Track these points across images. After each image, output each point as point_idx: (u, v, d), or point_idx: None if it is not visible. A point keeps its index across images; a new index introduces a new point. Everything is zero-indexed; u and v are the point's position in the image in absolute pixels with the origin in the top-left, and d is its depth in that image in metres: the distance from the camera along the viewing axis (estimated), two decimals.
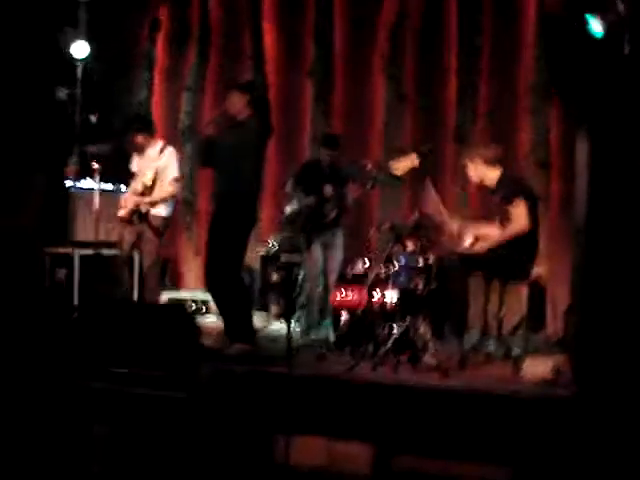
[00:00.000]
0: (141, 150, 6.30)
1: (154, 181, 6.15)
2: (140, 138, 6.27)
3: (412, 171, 5.72)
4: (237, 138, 5.44)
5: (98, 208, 6.26)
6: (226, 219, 5.43)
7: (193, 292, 7.39)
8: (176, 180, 6.32)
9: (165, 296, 6.94)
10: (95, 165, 6.31)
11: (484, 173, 5.55)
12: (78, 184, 6.62)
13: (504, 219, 5.40)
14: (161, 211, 6.27)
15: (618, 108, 4.57)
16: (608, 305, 4.60)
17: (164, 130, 8.06)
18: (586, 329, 4.67)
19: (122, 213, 6.23)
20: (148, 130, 6.33)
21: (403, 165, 5.58)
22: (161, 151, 6.25)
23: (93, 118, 6.52)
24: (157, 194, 6.21)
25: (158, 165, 6.16)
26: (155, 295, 6.42)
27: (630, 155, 4.55)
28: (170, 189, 6.26)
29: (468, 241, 5.75)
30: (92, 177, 6.38)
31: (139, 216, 6.17)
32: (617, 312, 4.57)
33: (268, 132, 5.64)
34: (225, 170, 5.51)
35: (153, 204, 6.19)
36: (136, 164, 6.40)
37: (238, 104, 5.50)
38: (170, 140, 6.92)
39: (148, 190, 6.16)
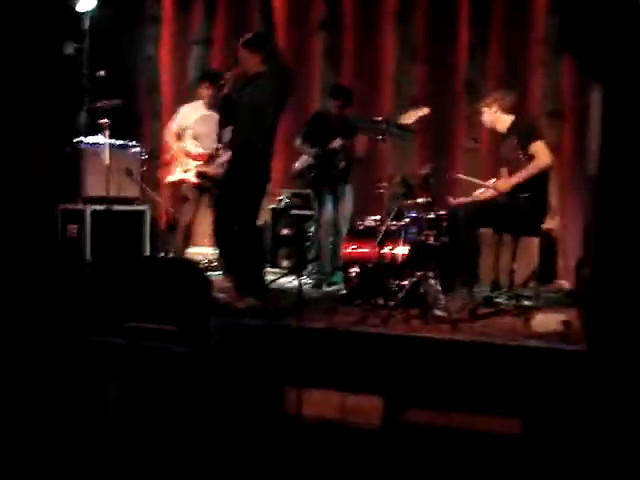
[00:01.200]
0: (207, 104, 6.38)
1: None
2: (209, 90, 6.40)
3: (423, 121, 5.71)
4: (252, 94, 5.39)
5: (108, 163, 6.24)
6: (240, 174, 5.41)
7: (204, 248, 7.39)
8: None
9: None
10: (104, 120, 6.29)
11: (498, 118, 5.57)
12: (88, 140, 6.59)
13: (519, 164, 5.36)
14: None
15: (632, 59, 4.50)
16: (620, 258, 4.58)
17: (173, 85, 8.05)
18: (598, 282, 4.65)
19: (190, 177, 6.32)
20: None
21: (413, 114, 5.56)
22: None
23: (101, 73, 6.47)
24: (225, 159, 6.21)
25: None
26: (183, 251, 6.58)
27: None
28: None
29: (478, 191, 5.73)
30: (102, 132, 6.35)
31: (209, 179, 6.27)
32: (629, 265, 4.55)
33: (285, 86, 5.57)
34: (242, 126, 5.47)
35: (221, 169, 6.20)
36: (195, 125, 6.43)
37: (250, 61, 5.44)
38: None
39: (213, 154, 6.26)
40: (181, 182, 6.52)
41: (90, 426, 4.04)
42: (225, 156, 5.97)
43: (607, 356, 4.18)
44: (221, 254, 5.88)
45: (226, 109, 5.62)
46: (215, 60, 7.94)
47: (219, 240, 5.52)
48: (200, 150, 6.45)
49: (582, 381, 4.10)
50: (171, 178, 6.56)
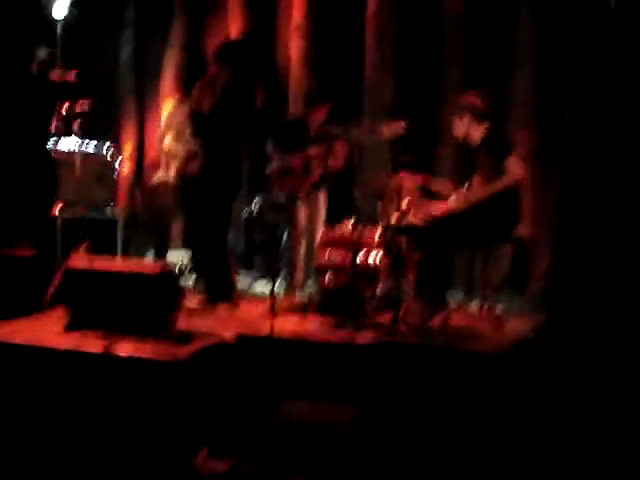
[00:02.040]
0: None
1: None
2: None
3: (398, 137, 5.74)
4: (224, 102, 5.45)
5: (80, 168, 6.21)
6: (212, 183, 5.43)
7: (178, 251, 7.36)
8: None
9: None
10: (77, 124, 6.25)
11: (472, 128, 5.45)
12: (60, 144, 6.54)
13: (490, 176, 5.36)
14: None
15: (596, 83, 4.59)
16: (590, 263, 4.65)
17: (150, 88, 8.03)
18: (568, 287, 4.71)
19: (167, 178, 6.30)
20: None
21: (389, 130, 5.60)
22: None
23: (72, 76, 6.43)
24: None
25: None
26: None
27: (609, 108, 4.57)
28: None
29: (452, 198, 5.75)
30: (75, 135, 6.32)
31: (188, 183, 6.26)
32: (599, 271, 4.62)
33: (253, 92, 5.62)
34: (214, 135, 5.52)
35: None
36: (171, 123, 6.42)
37: (222, 70, 5.49)
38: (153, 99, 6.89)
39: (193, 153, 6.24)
40: (164, 183, 6.47)
41: None
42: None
43: (573, 360, 4.24)
44: (193, 258, 5.89)
45: (196, 116, 5.63)
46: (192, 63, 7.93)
47: (189, 246, 5.58)
48: (182, 149, 6.37)
49: (549, 384, 4.15)
50: (156, 179, 6.52)
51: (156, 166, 6.58)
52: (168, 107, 6.72)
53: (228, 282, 5.70)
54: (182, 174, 6.23)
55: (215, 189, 5.44)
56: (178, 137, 6.41)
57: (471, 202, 5.34)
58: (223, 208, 5.57)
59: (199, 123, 5.59)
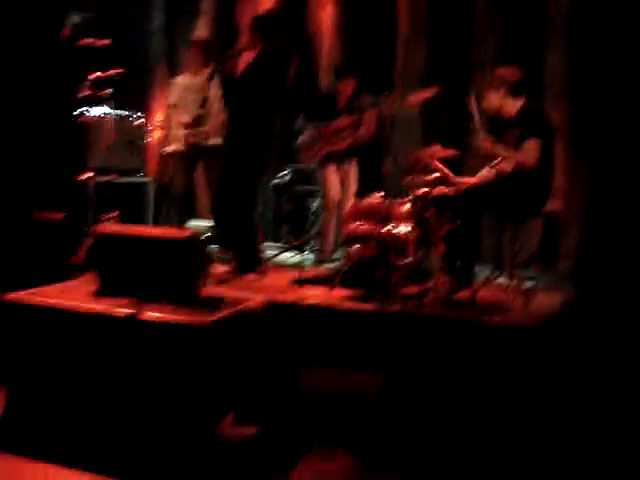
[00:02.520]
0: (191, 71, 6.32)
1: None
2: (194, 55, 6.35)
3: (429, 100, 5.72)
4: (255, 74, 5.46)
5: (112, 134, 6.24)
6: (244, 153, 5.44)
7: (206, 220, 7.40)
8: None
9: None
10: (108, 91, 6.27)
11: (507, 102, 5.39)
12: (91, 110, 6.57)
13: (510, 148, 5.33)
14: (218, 140, 6.31)
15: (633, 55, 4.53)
16: (620, 241, 4.60)
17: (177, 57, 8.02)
18: (597, 265, 4.67)
19: (175, 147, 6.31)
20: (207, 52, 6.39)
21: (421, 94, 5.63)
22: (210, 79, 6.22)
23: (105, 42, 6.45)
24: (212, 123, 6.25)
25: (208, 94, 6.15)
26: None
27: None
28: (222, 117, 6.26)
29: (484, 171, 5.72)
30: (106, 103, 6.34)
31: (197, 150, 6.23)
32: (629, 249, 4.57)
33: (286, 61, 5.62)
34: (245, 107, 5.51)
35: (208, 135, 6.21)
36: (176, 96, 6.41)
37: (254, 39, 5.51)
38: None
39: (200, 121, 6.21)
40: (174, 153, 6.48)
41: None
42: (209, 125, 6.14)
43: (602, 338, 4.21)
44: (218, 229, 5.91)
45: (228, 87, 5.63)
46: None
47: (216, 216, 5.59)
48: (187, 118, 6.39)
49: (577, 361, 4.13)
50: (167, 149, 6.53)
51: (165, 136, 6.58)
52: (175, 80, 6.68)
53: (255, 252, 5.73)
54: (191, 141, 6.24)
55: (245, 158, 5.44)
56: (184, 107, 6.41)
57: (493, 174, 5.32)
58: (252, 178, 5.57)
59: (230, 91, 5.59)
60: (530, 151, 5.18)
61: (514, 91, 5.37)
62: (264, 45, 5.47)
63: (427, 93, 5.59)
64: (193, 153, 6.35)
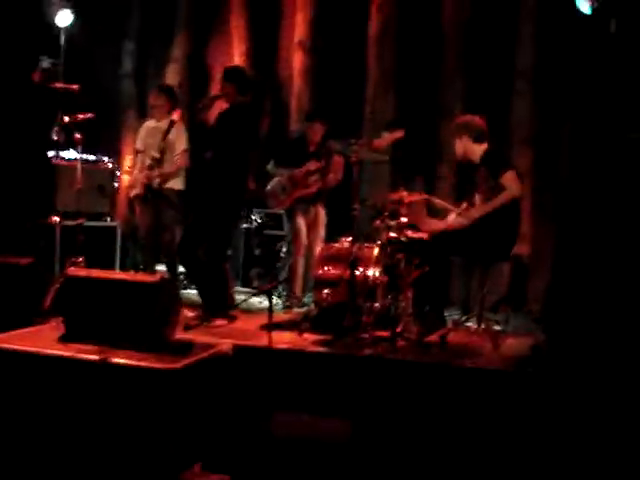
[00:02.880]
0: (156, 116, 6.39)
1: (162, 155, 6.22)
2: (158, 101, 6.40)
3: (396, 144, 5.80)
4: (228, 123, 5.51)
5: (80, 178, 6.23)
6: (216, 202, 5.49)
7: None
8: (185, 152, 6.44)
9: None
10: (78, 135, 6.26)
11: (470, 149, 5.51)
12: (61, 154, 6.55)
13: (490, 193, 5.39)
14: (175, 184, 6.41)
15: (598, 101, 4.63)
16: (589, 287, 4.65)
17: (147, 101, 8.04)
18: (565, 309, 4.71)
19: (136, 191, 6.32)
20: (171, 98, 6.46)
21: (388, 137, 5.68)
22: (171, 125, 6.30)
23: (75, 87, 6.45)
24: (168, 167, 6.31)
25: (168, 138, 6.20)
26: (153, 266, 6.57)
27: (609, 141, 4.61)
28: (180, 161, 6.39)
29: (452, 216, 5.78)
30: (75, 147, 6.33)
31: (152, 192, 6.24)
32: (599, 294, 4.61)
33: (259, 116, 5.73)
34: (219, 153, 5.58)
35: (165, 178, 6.26)
36: (141, 140, 6.44)
37: (227, 89, 5.59)
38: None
39: (157, 164, 6.23)
40: (137, 196, 6.47)
41: None
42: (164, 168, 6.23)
43: (570, 381, 4.23)
44: (187, 275, 5.89)
45: (201, 134, 5.67)
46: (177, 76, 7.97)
47: (184, 262, 5.60)
48: (149, 162, 6.41)
49: (544, 404, 4.14)
50: (132, 193, 6.53)
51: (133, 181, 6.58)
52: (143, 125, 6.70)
53: (225, 296, 5.70)
54: (147, 184, 6.25)
55: (217, 203, 5.46)
56: (148, 151, 6.42)
57: (471, 219, 5.36)
58: (225, 223, 5.59)
59: (204, 136, 5.64)
60: (510, 183, 5.25)
61: (476, 139, 5.48)
62: (237, 96, 5.53)
63: (394, 136, 5.65)
64: (151, 196, 6.32)
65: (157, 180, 6.25)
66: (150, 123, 6.53)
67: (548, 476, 3.85)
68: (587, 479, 3.76)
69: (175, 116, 6.13)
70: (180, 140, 6.41)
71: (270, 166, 6.62)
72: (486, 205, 5.36)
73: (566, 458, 3.86)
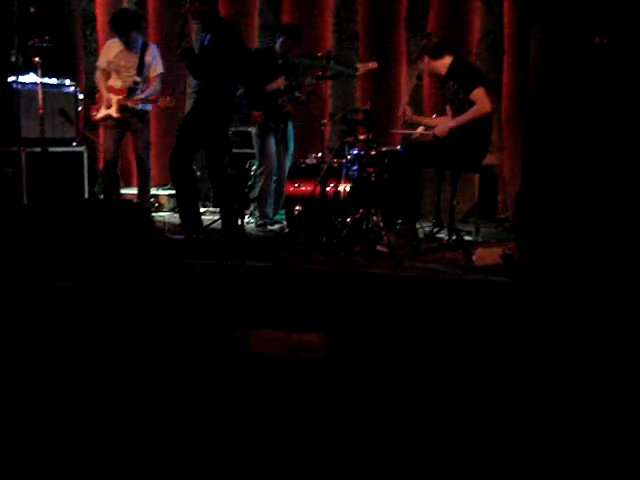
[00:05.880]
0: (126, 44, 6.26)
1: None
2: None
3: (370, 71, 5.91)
4: (212, 43, 5.58)
5: (42, 104, 6.10)
6: (209, 108, 5.66)
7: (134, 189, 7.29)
8: (161, 76, 6.37)
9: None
10: (37, 59, 6.10)
11: (434, 66, 5.52)
12: (20, 79, 6.37)
13: (460, 107, 5.38)
14: (147, 107, 6.37)
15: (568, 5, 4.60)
16: (557, 192, 4.69)
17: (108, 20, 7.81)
18: (535, 216, 4.76)
19: (112, 112, 6.18)
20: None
21: (362, 67, 5.88)
22: (145, 48, 6.16)
23: (32, 10, 6.24)
24: (148, 90, 6.26)
25: (145, 60, 6.19)
26: (117, 191, 6.53)
27: (578, 47, 4.60)
28: (157, 85, 6.31)
29: (421, 128, 5.78)
30: (35, 72, 6.16)
31: (129, 113, 6.17)
32: (567, 199, 4.66)
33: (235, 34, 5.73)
34: (207, 72, 5.64)
35: (142, 101, 6.17)
36: (111, 61, 6.28)
37: (189, 8, 5.65)
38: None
39: (139, 87, 6.19)
40: (106, 118, 6.34)
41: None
42: (146, 91, 6.24)
43: (541, 288, 4.30)
44: (175, 186, 5.93)
45: (189, 60, 5.68)
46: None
47: (175, 173, 5.76)
48: (119, 84, 6.28)
49: (518, 313, 4.21)
50: (98, 116, 6.39)
51: (97, 102, 6.45)
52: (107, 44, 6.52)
53: (197, 215, 5.82)
54: (124, 107, 6.17)
55: (215, 124, 5.71)
56: (117, 71, 6.29)
57: (440, 135, 5.37)
58: (221, 126, 5.80)
59: (193, 61, 5.69)
60: (479, 100, 5.26)
61: (435, 55, 5.46)
62: (201, 8, 5.55)
63: (367, 67, 5.83)
64: (126, 118, 6.23)
65: (134, 103, 6.15)
66: (117, 45, 6.33)
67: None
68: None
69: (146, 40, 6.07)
70: (157, 64, 6.31)
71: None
72: (455, 120, 5.38)
73: (543, 369, 3.94)
